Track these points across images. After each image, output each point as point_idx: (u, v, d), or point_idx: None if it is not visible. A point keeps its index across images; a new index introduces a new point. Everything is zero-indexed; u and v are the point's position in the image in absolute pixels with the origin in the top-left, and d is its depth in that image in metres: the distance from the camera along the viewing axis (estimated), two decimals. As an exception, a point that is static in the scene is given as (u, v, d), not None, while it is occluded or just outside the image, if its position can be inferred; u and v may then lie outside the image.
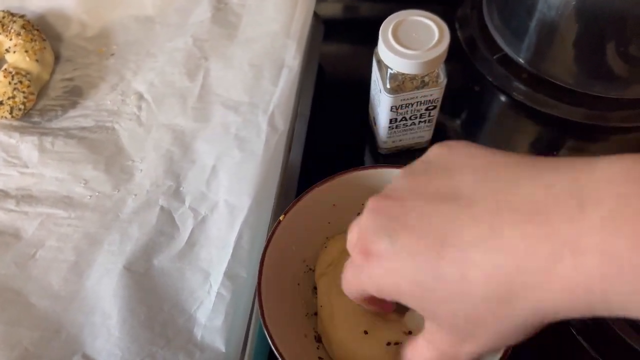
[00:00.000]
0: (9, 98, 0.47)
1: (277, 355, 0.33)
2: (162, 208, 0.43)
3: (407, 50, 0.40)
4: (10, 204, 0.44)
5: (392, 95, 0.43)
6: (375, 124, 0.50)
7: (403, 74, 0.42)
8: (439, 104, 0.46)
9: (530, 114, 0.53)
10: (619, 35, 0.47)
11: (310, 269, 0.41)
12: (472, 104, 0.55)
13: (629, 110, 0.52)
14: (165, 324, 0.38)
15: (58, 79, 0.52)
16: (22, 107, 0.48)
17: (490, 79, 0.55)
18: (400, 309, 0.36)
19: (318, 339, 0.38)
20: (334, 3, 0.64)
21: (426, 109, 0.46)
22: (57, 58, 0.53)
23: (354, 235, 0.27)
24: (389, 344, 0.35)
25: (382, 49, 0.41)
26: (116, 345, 0.37)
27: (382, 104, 0.45)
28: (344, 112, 0.54)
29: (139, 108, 0.49)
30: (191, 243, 0.41)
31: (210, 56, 0.51)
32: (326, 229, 0.41)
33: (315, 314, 0.39)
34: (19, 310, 0.39)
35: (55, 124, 0.49)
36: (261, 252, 0.37)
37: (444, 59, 0.42)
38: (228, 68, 0.50)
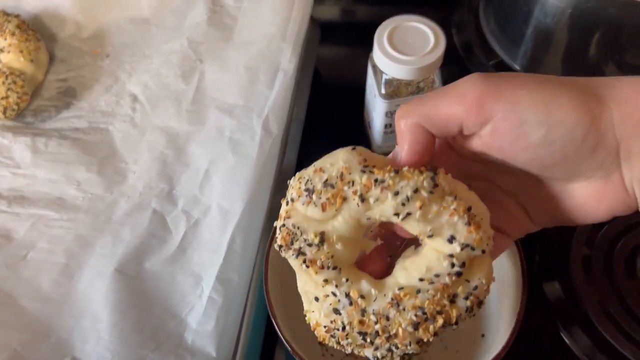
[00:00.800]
0: (2, 98, 0.47)
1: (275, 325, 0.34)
2: (154, 211, 0.43)
3: (402, 56, 0.40)
4: (2, 205, 0.44)
5: (387, 101, 0.43)
6: (370, 128, 0.49)
7: (398, 79, 0.42)
8: (434, 110, 0.45)
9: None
10: (615, 43, 0.47)
11: None
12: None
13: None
14: (156, 328, 0.37)
15: (52, 80, 0.52)
16: (15, 107, 0.48)
17: (486, 85, 0.55)
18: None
19: None
20: (331, 6, 0.64)
21: (421, 115, 0.45)
22: (51, 58, 0.53)
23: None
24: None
25: (377, 55, 0.41)
26: (106, 348, 0.37)
27: (377, 108, 0.45)
28: (340, 116, 0.54)
29: (134, 110, 0.49)
30: (183, 246, 0.41)
31: (205, 59, 0.51)
32: None
33: None
34: (9, 313, 0.39)
35: (49, 125, 0.49)
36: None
37: (439, 65, 0.41)
38: (223, 71, 0.49)
